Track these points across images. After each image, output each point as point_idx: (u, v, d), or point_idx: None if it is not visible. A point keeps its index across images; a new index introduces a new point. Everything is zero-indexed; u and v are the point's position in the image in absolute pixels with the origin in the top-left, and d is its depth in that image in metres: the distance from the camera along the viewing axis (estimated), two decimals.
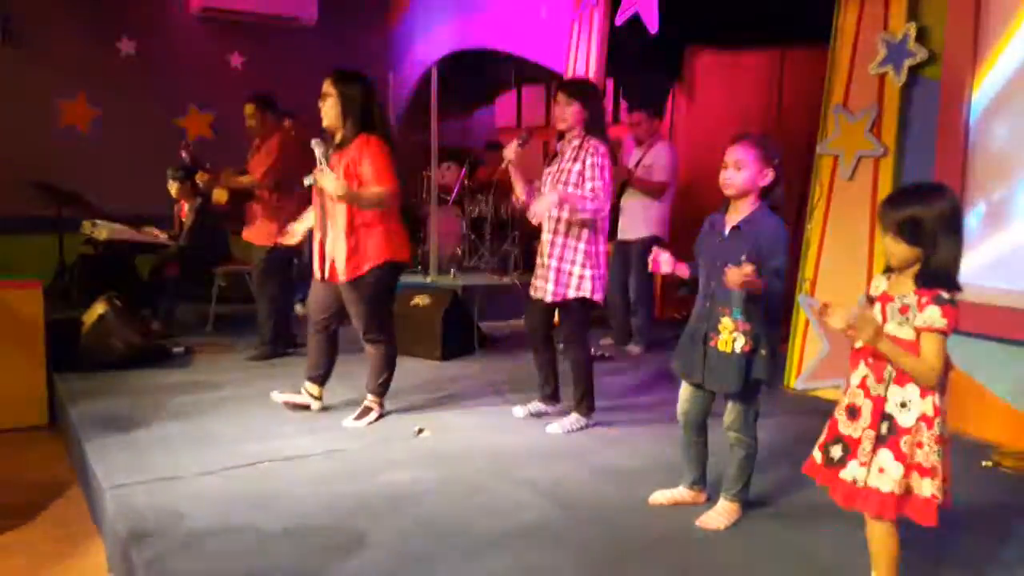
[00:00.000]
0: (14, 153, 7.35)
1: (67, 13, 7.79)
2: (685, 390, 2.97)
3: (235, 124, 5.76)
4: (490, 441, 3.76)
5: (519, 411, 4.16)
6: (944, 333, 2.10)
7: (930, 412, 2.15)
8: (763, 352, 2.74)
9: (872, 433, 2.20)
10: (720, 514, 2.88)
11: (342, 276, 3.86)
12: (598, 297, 3.87)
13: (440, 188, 7.87)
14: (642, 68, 6.86)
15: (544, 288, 3.91)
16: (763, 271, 2.61)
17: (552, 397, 4.19)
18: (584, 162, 3.78)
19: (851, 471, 2.24)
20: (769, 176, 2.74)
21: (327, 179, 3.72)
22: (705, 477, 3.07)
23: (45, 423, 4.48)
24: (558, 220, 3.85)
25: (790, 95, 6.37)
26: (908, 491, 2.16)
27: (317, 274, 4.02)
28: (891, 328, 2.19)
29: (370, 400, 4.06)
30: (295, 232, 4.24)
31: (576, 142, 3.86)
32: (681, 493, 3.06)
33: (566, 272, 3.85)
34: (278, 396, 4.16)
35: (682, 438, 3.04)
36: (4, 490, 3.61)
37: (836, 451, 2.29)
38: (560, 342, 4.08)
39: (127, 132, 7.87)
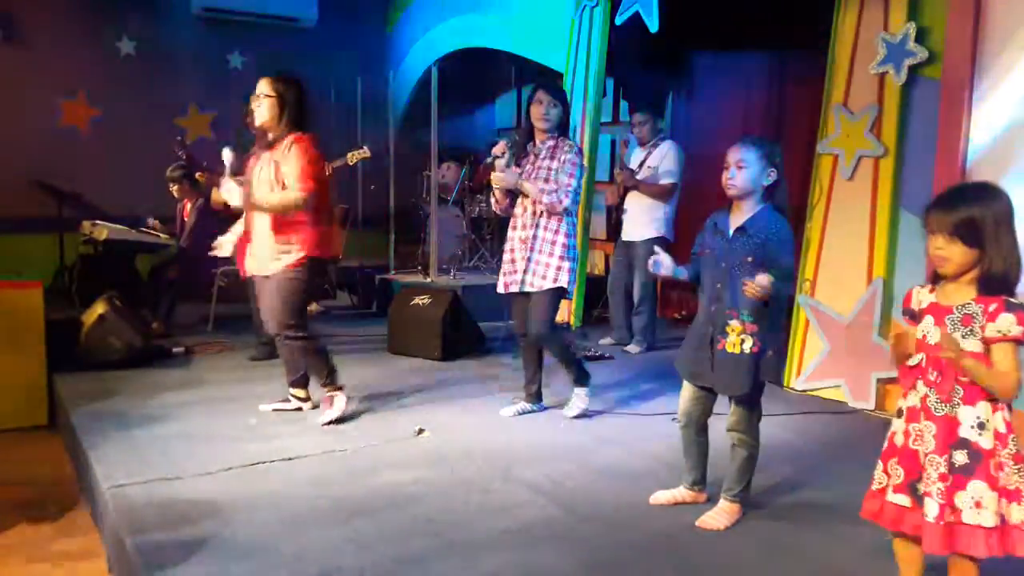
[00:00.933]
0: (14, 153, 7.35)
1: (67, 13, 7.78)
2: (687, 391, 2.97)
3: (235, 124, 5.76)
4: (490, 441, 3.76)
5: (507, 411, 4.18)
6: (1020, 341, 1.97)
7: (1002, 428, 2.01)
8: (770, 353, 2.75)
9: (938, 459, 2.02)
10: (721, 514, 2.88)
11: (263, 270, 3.91)
12: (572, 289, 4.03)
13: (440, 188, 7.87)
14: (642, 68, 6.86)
15: (520, 279, 4.00)
16: (770, 273, 2.62)
17: (537, 396, 4.25)
18: (560, 159, 3.94)
19: (926, 506, 2.03)
20: (772, 176, 2.75)
21: (231, 194, 3.90)
22: (706, 477, 3.07)
23: (45, 423, 4.48)
24: (534, 214, 3.97)
25: (790, 95, 6.36)
26: (1003, 521, 1.98)
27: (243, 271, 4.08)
28: None
29: (329, 391, 4.04)
30: (224, 244, 4.23)
31: (551, 142, 4.01)
32: (682, 493, 3.07)
33: (543, 264, 3.95)
34: (266, 407, 4.16)
35: (683, 438, 3.04)
36: (4, 490, 3.61)
37: (922, 487, 2.07)
38: (534, 333, 4.06)
39: (127, 132, 7.87)
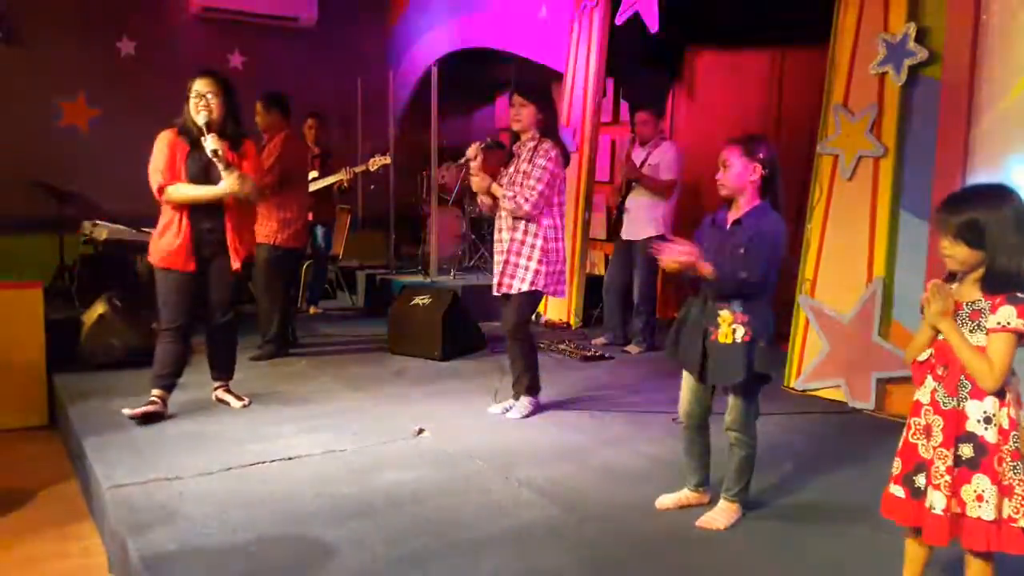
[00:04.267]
0: (14, 153, 7.35)
1: (67, 13, 7.78)
2: (686, 390, 2.97)
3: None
4: (490, 441, 3.76)
5: (495, 408, 4.20)
6: (1020, 334, 2.01)
7: (1006, 424, 2.04)
8: (762, 344, 2.77)
9: (946, 452, 2.06)
10: (720, 514, 2.88)
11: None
12: (550, 291, 4.04)
13: (440, 188, 7.88)
14: (642, 68, 6.87)
15: (498, 282, 4.05)
16: (731, 256, 2.71)
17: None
18: (534, 163, 3.93)
19: (930, 498, 2.09)
20: (757, 171, 2.78)
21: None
22: (709, 478, 3.07)
23: (45, 423, 4.48)
24: (515, 218, 3.98)
25: (790, 95, 6.37)
26: (1001, 517, 2.02)
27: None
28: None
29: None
30: None
31: (531, 144, 3.99)
32: (687, 495, 3.06)
33: (515, 265, 3.99)
34: (128, 411, 3.91)
35: (685, 438, 3.03)
36: (4, 490, 3.60)
37: (921, 479, 2.13)
38: (504, 333, 4.15)
39: (127, 132, 7.83)
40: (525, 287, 3.98)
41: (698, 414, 2.97)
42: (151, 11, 8.24)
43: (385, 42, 9.58)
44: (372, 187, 8.46)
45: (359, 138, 8.98)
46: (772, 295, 2.82)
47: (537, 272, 3.96)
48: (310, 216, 6.06)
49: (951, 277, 2.17)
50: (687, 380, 2.97)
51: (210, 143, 3.86)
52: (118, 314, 5.02)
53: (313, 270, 7.12)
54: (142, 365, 4.92)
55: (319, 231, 6.99)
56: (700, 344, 2.83)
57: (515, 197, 3.91)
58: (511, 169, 4.06)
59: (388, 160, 6.75)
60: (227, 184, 3.89)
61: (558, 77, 6.95)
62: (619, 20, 5.94)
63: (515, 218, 3.99)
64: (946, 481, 2.06)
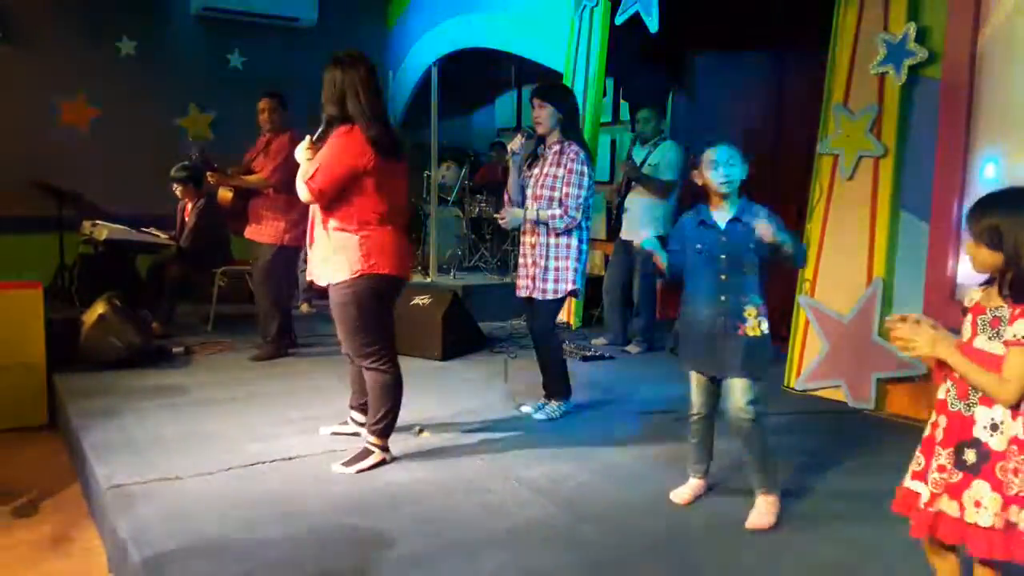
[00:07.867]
0: (14, 153, 7.34)
1: (67, 13, 7.77)
2: (698, 387, 3.02)
3: (235, 124, 5.77)
4: (490, 441, 3.76)
5: (527, 408, 4.22)
6: None
7: (1022, 434, 1.98)
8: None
9: (942, 451, 2.06)
10: (764, 512, 2.90)
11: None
12: (580, 287, 4.10)
13: (440, 188, 7.87)
14: (642, 68, 6.86)
15: (531, 285, 4.03)
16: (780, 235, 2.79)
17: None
18: (565, 167, 3.93)
19: (923, 490, 2.09)
20: (748, 172, 2.91)
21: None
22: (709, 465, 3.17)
23: (45, 423, 4.48)
24: (540, 224, 4.00)
25: (790, 95, 6.36)
26: (1010, 527, 1.96)
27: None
28: (981, 342, 2.04)
29: (370, 441, 3.45)
30: None
31: (557, 147, 3.99)
32: (699, 485, 3.13)
33: (552, 268, 3.99)
34: (325, 429, 3.81)
35: (698, 431, 3.08)
36: (4, 490, 3.60)
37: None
38: (535, 337, 4.16)
39: (127, 132, 7.86)
40: (568, 287, 3.99)
41: (711, 405, 3.04)
42: (151, 11, 8.23)
43: (385, 42, 9.57)
44: None
45: None
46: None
47: (569, 270, 3.99)
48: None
49: (988, 281, 2.10)
50: (697, 377, 3.02)
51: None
52: (118, 314, 5.02)
53: None
54: (142, 365, 4.96)
55: None
56: (724, 342, 2.86)
57: (562, 216, 3.90)
58: (536, 171, 4.06)
59: None
60: None
61: (558, 77, 6.95)
62: (619, 20, 5.94)
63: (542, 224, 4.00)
64: (935, 478, 2.06)
